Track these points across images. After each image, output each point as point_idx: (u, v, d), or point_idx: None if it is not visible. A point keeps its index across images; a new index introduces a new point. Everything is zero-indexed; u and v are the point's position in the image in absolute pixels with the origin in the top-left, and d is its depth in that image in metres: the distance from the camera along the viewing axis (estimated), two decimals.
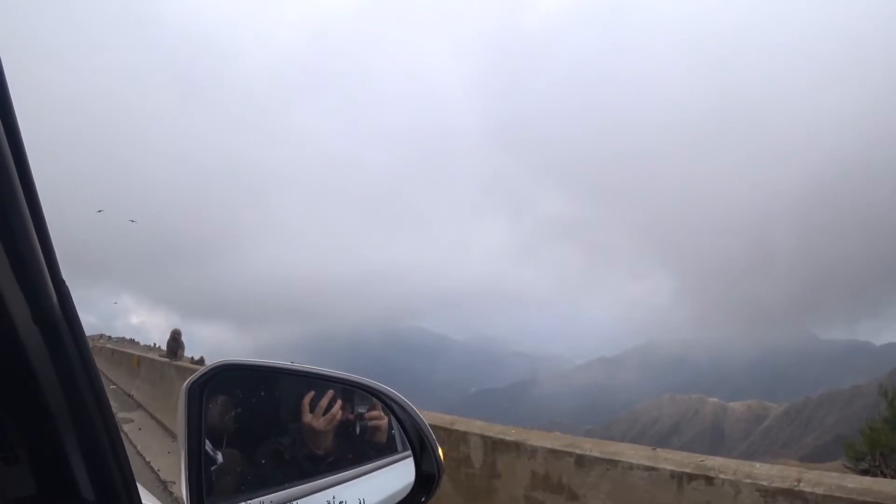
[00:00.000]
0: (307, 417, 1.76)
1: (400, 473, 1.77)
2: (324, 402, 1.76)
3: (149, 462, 10.97)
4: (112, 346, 30.04)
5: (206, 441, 1.76)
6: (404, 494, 1.76)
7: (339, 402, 1.76)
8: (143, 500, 1.69)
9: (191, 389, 1.76)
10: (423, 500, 1.75)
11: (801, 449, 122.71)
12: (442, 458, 1.74)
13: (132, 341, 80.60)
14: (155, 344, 74.62)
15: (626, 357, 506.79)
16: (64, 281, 1.67)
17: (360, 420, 1.80)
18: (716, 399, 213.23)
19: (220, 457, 1.76)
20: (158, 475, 10.08)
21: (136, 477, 1.73)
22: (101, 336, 77.66)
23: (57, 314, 1.66)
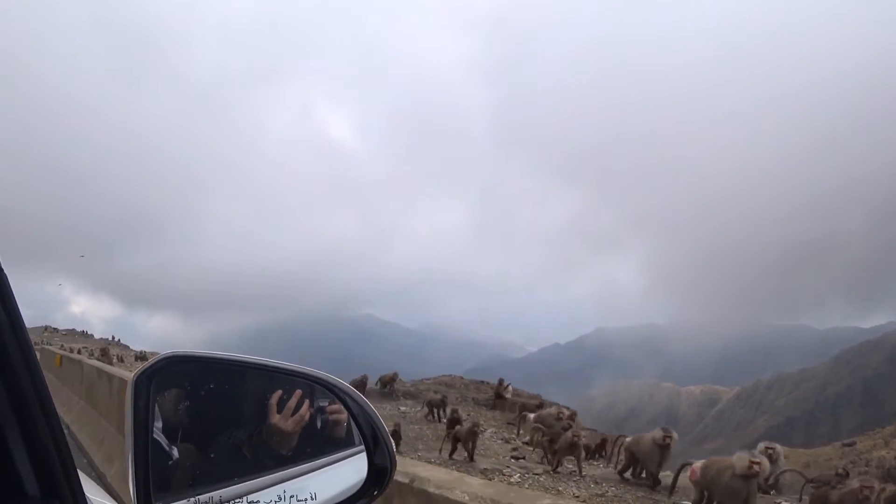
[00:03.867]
0: (275, 418, 1.74)
1: (354, 467, 1.77)
2: (292, 402, 1.74)
3: None
4: (66, 353, 22.53)
5: (161, 435, 1.73)
6: (357, 488, 1.76)
7: (306, 403, 1.74)
8: (87, 494, 1.67)
9: (138, 381, 1.72)
10: (375, 493, 1.76)
11: (755, 431, 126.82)
12: (395, 451, 1.74)
13: (84, 334, 75.26)
14: (113, 337, 69.86)
15: (579, 344, 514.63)
16: (1, 267, 1.61)
17: (322, 414, 1.79)
18: (670, 384, 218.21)
19: (175, 451, 1.73)
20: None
21: (79, 470, 1.70)
22: (46, 329, 72.11)
23: None
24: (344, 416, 1.79)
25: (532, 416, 17.42)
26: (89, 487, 2.00)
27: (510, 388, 24.76)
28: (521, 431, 17.83)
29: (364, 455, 1.77)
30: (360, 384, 20.59)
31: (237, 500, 1.73)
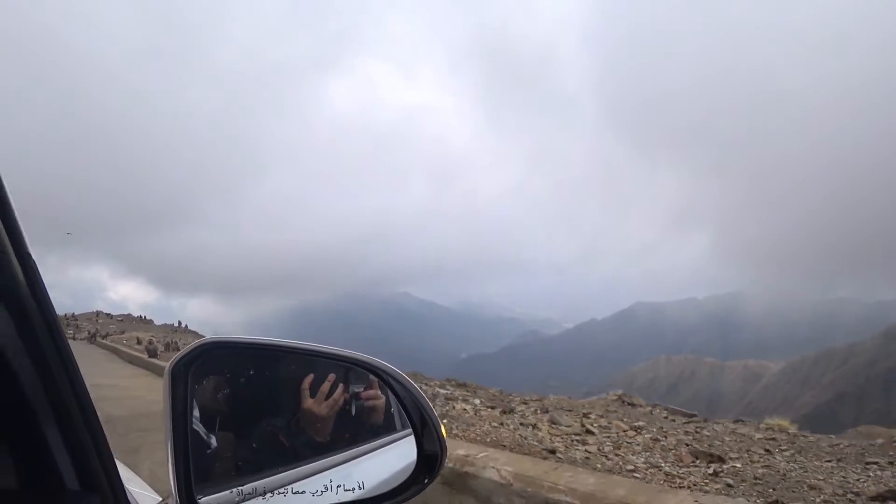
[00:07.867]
0: (308, 403, 1.68)
1: (400, 453, 1.70)
2: (325, 386, 1.68)
3: None
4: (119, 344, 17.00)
5: (199, 424, 1.68)
6: (406, 475, 1.68)
7: (340, 386, 1.67)
8: (127, 486, 1.63)
9: (175, 369, 1.67)
10: (426, 480, 1.67)
11: (803, 407, 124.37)
12: (444, 436, 1.65)
13: (142, 319, 69.18)
14: (180, 323, 62.31)
15: (617, 318, 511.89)
16: (30, 254, 1.56)
17: (357, 400, 1.70)
18: (712, 359, 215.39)
19: (213, 441, 1.68)
20: None
21: (123, 461, 1.66)
22: (98, 315, 68.63)
23: (23, 291, 1.57)
24: (382, 399, 1.72)
25: None
26: (129, 479, 1.98)
27: None
28: None
29: (412, 441, 1.69)
30: None
31: (281, 490, 1.67)
